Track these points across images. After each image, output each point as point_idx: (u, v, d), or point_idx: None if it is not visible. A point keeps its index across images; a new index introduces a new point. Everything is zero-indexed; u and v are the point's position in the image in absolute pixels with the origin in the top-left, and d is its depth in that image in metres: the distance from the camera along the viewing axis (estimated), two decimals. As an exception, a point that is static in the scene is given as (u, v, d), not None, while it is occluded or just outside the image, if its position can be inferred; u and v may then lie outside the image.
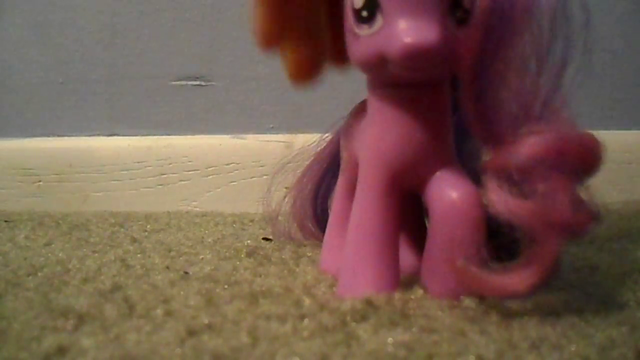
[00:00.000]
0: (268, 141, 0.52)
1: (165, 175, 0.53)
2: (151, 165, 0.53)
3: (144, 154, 0.53)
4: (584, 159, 0.17)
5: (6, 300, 0.22)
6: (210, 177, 0.53)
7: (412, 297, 0.21)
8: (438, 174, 0.19)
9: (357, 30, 0.18)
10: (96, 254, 0.31)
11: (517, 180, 0.16)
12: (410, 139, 0.19)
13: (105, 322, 0.19)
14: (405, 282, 0.22)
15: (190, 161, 0.53)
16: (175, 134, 0.54)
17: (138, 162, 0.53)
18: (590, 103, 0.56)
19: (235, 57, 0.53)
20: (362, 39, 0.18)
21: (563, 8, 0.19)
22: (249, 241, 0.34)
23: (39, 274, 0.26)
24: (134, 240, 0.35)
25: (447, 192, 0.19)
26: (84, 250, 0.32)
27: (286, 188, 0.35)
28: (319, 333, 0.18)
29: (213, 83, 0.54)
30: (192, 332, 0.18)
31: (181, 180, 0.53)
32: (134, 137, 0.54)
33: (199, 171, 0.53)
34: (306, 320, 0.19)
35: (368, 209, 0.20)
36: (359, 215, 0.20)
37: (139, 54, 0.54)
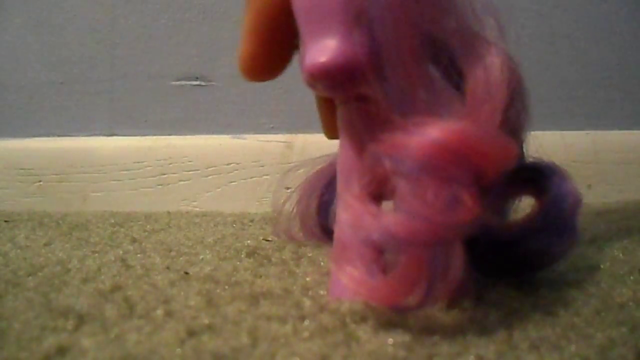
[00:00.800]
0: (268, 141, 0.52)
1: (165, 175, 0.53)
2: (151, 165, 0.53)
3: (144, 154, 0.53)
4: (483, 160, 0.15)
5: (6, 300, 0.22)
6: (210, 177, 0.53)
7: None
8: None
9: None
10: (96, 254, 0.31)
11: (387, 185, 0.16)
12: (362, 147, 0.18)
13: (105, 322, 0.19)
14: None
15: (190, 161, 0.53)
16: (175, 134, 0.54)
17: (138, 162, 0.53)
18: (590, 103, 0.56)
19: (235, 57, 0.53)
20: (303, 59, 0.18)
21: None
22: (249, 241, 0.34)
23: (39, 274, 0.26)
24: (134, 240, 0.35)
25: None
26: (84, 250, 0.32)
27: (287, 189, 0.35)
28: (319, 334, 0.18)
29: (213, 83, 0.54)
30: (192, 333, 0.18)
31: (181, 180, 0.53)
32: (134, 137, 0.54)
33: (199, 171, 0.53)
34: (306, 321, 0.19)
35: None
36: (340, 218, 0.21)
37: (139, 54, 0.54)
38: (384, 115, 0.16)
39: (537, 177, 0.20)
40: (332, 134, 0.22)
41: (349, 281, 0.17)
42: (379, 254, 0.17)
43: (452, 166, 0.14)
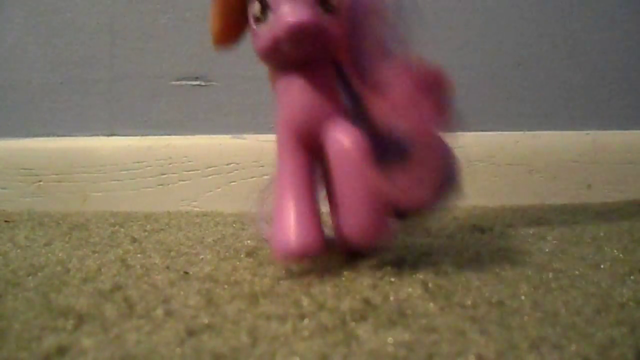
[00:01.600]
0: (268, 141, 0.52)
1: (165, 175, 0.53)
2: (151, 165, 0.53)
3: (144, 154, 0.53)
4: (433, 81, 0.23)
5: (6, 300, 0.22)
6: (210, 177, 0.53)
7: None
8: (331, 127, 0.24)
9: (256, 29, 0.24)
10: (96, 254, 0.31)
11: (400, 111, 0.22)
12: (304, 106, 0.24)
13: (105, 322, 0.19)
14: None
15: (190, 161, 0.53)
16: (175, 134, 0.54)
17: (138, 162, 0.53)
18: (591, 103, 0.56)
19: (235, 57, 0.53)
20: (260, 33, 0.24)
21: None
22: (248, 241, 0.34)
23: (39, 274, 0.26)
24: (134, 240, 0.35)
25: (338, 137, 0.23)
26: (84, 250, 0.32)
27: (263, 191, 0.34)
28: (318, 333, 0.18)
29: (213, 83, 0.54)
30: (192, 332, 0.18)
31: (181, 180, 0.53)
32: (134, 137, 0.54)
33: (199, 171, 0.53)
34: (306, 320, 0.19)
35: (282, 164, 0.25)
36: (280, 174, 0.25)
37: (139, 54, 0.54)
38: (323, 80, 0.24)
39: None
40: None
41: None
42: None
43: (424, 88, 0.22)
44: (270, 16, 0.23)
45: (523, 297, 0.21)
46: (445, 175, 0.23)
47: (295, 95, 0.24)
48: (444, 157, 0.23)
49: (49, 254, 0.31)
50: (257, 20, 0.24)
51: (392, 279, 0.24)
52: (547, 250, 0.30)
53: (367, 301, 0.21)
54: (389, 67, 0.23)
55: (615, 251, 0.30)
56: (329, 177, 0.24)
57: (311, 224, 0.23)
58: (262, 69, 0.27)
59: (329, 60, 0.25)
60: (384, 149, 0.23)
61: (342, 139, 0.23)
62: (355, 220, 0.23)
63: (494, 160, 0.54)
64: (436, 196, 0.23)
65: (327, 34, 0.23)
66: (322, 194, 0.26)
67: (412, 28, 0.24)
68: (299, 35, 0.22)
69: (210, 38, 0.26)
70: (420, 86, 0.22)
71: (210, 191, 0.53)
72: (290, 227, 0.23)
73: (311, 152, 0.24)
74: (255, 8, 0.24)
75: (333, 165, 0.23)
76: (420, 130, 0.22)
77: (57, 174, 0.53)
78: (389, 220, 0.23)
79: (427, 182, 0.21)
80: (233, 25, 0.26)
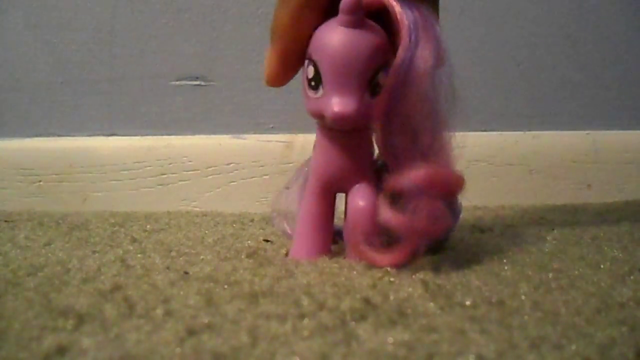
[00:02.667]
0: (268, 141, 0.52)
1: (165, 175, 0.53)
2: (151, 165, 0.53)
3: (144, 154, 0.53)
4: (448, 188, 0.25)
5: (6, 300, 0.22)
6: (210, 177, 0.53)
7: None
8: (355, 186, 0.27)
9: (308, 93, 0.26)
10: (96, 254, 0.31)
11: (400, 197, 0.24)
12: (335, 162, 0.27)
13: (105, 322, 0.19)
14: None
15: (190, 161, 0.53)
16: (175, 134, 0.54)
17: (138, 162, 0.53)
18: (591, 103, 0.56)
19: (235, 57, 0.53)
20: (311, 99, 0.26)
21: (441, 82, 0.25)
22: (249, 242, 0.34)
23: (39, 274, 0.26)
24: (134, 240, 0.35)
25: (357, 200, 0.27)
26: (84, 250, 0.32)
27: (287, 188, 0.35)
28: (318, 332, 0.18)
29: (213, 83, 0.54)
30: (192, 332, 0.18)
31: (181, 180, 0.53)
32: (134, 137, 0.54)
33: (199, 171, 0.53)
34: (306, 320, 0.19)
35: (309, 204, 0.29)
36: (305, 207, 0.29)
37: (139, 54, 0.54)
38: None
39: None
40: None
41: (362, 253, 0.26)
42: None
43: (432, 189, 0.24)
44: (321, 90, 0.25)
45: (523, 297, 0.21)
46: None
47: (330, 154, 0.27)
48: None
49: (49, 254, 0.31)
50: (309, 84, 0.26)
51: (392, 279, 0.24)
52: (547, 250, 0.30)
53: (367, 301, 0.21)
54: (414, 156, 0.25)
55: (615, 251, 0.30)
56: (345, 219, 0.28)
57: (321, 248, 0.29)
58: (263, 69, 0.28)
59: (369, 128, 0.27)
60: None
61: (359, 201, 0.27)
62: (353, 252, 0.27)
63: (494, 160, 0.54)
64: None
65: (369, 116, 0.25)
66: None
67: (454, 106, 0.25)
68: (342, 123, 0.25)
69: (264, 73, 0.27)
70: (430, 183, 0.24)
71: (210, 191, 0.53)
72: (303, 249, 0.29)
73: (334, 193, 0.29)
74: (309, 71, 0.26)
75: (347, 216, 0.28)
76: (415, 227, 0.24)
77: (57, 174, 0.53)
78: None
79: (394, 260, 0.25)
80: (289, 70, 0.27)
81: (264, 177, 0.52)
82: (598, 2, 0.55)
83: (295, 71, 0.27)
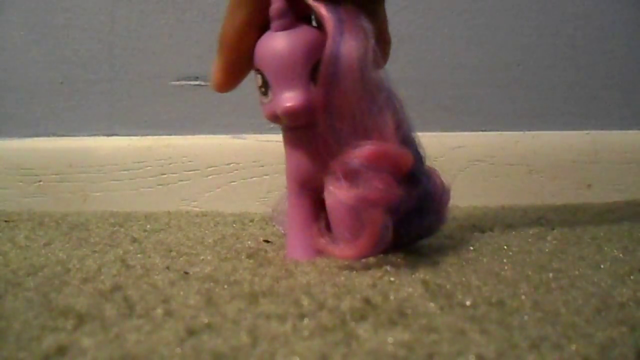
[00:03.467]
0: (268, 141, 0.52)
1: (165, 175, 0.53)
2: (151, 165, 0.53)
3: (144, 154, 0.53)
4: (393, 163, 0.25)
5: (6, 300, 0.22)
6: (210, 177, 0.53)
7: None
8: (327, 179, 0.27)
9: (261, 100, 0.28)
10: (96, 254, 0.31)
11: (348, 176, 0.25)
12: (305, 161, 0.28)
13: (105, 322, 0.19)
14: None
15: (190, 161, 0.53)
16: (175, 134, 0.54)
17: (138, 162, 0.53)
18: (591, 103, 0.56)
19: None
20: (265, 105, 0.27)
21: (366, 65, 0.26)
22: (249, 242, 0.34)
23: (39, 274, 0.26)
24: (134, 240, 0.35)
25: (331, 189, 0.27)
26: (84, 250, 0.32)
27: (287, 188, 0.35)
28: (318, 332, 0.18)
29: (213, 83, 0.54)
30: (192, 332, 0.18)
31: (181, 180, 0.53)
32: (134, 137, 0.54)
33: (199, 171, 0.53)
34: (306, 320, 0.19)
35: (290, 205, 0.30)
36: (289, 210, 0.30)
37: (139, 54, 0.54)
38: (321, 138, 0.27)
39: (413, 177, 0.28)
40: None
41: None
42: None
43: (379, 164, 0.25)
44: (270, 93, 0.27)
45: (523, 297, 0.21)
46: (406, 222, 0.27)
47: (298, 153, 0.28)
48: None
49: (49, 254, 0.31)
50: (260, 91, 0.27)
51: (392, 279, 0.24)
52: (547, 250, 0.30)
53: (367, 301, 0.21)
54: (357, 138, 0.26)
55: (615, 251, 0.30)
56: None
57: (313, 247, 0.28)
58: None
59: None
60: None
61: (335, 190, 0.27)
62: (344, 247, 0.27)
63: (494, 160, 0.54)
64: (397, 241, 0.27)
65: (318, 104, 0.26)
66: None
67: (392, 96, 0.27)
68: (294, 116, 0.26)
69: (211, 80, 0.29)
70: (376, 159, 0.25)
71: (210, 191, 0.53)
72: (297, 250, 0.29)
73: (313, 191, 0.29)
74: (258, 80, 0.27)
75: (329, 210, 0.28)
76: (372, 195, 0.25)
77: (57, 174, 0.53)
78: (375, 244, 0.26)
79: (359, 248, 0.26)
80: (234, 78, 0.29)
81: (264, 177, 0.52)
82: (598, 2, 0.55)
83: (240, 79, 0.29)
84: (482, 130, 0.55)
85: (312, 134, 0.27)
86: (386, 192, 0.25)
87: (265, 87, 0.27)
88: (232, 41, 0.27)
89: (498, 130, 0.55)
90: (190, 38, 0.54)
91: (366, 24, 0.26)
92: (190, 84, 0.54)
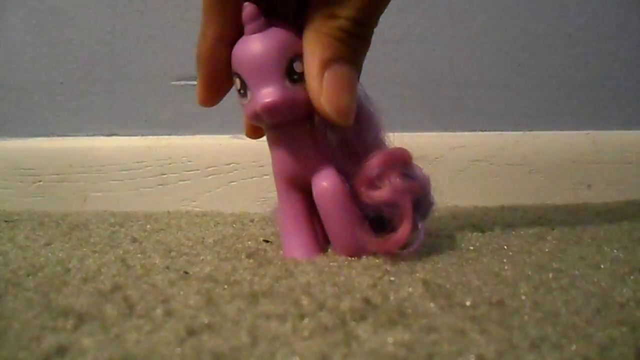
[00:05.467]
0: (268, 141, 0.52)
1: (165, 175, 0.53)
2: (151, 165, 0.53)
3: (144, 154, 0.53)
4: (402, 159, 0.28)
5: (6, 300, 0.22)
6: (210, 177, 0.53)
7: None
8: (316, 174, 0.28)
9: (242, 102, 0.28)
10: (96, 254, 0.31)
11: (374, 183, 0.27)
12: (290, 159, 0.29)
13: (105, 322, 0.19)
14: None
15: (190, 161, 0.53)
16: (175, 134, 0.54)
17: (138, 162, 0.53)
18: (591, 103, 0.56)
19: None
20: (245, 107, 0.28)
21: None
22: (249, 242, 0.34)
23: (39, 274, 0.26)
24: (134, 240, 0.35)
25: (320, 182, 0.28)
26: (84, 250, 0.32)
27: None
28: (318, 332, 0.18)
29: (213, 83, 0.54)
30: (192, 332, 0.18)
31: (181, 180, 0.53)
32: (134, 137, 0.54)
33: (199, 171, 0.53)
34: (306, 320, 0.19)
35: (281, 204, 0.30)
36: (281, 210, 0.30)
37: (139, 54, 0.54)
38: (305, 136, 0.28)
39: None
40: (252, 134, 0.32)
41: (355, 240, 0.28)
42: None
43: (393, 164, 0.27)
44: (249, 93, 0.27)
45: (523, 297, 0.21)
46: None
47: (282, 151, 0.29)
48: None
49: (49, 254, 0.31)
50: (239, 93, 0.28)
51: (392, 279, 0.24)
52: (547, 250, 0.30)
53: (367, 301, 0.21)
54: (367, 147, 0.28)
55: (615, 251, 0.30)
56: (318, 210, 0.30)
57: (309, 244, 0.29)
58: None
59: (307, 117, 0.28)
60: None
61: (322, 183, 0.28)
62: (339, 242, 0.28)
63: (494, 160, 0.54)
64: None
65: (298, 102, 0.27)
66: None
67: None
68: (272, 112, 0.26)
69: (197, 95, 0.30)
70: (387, 162, 0.27)
71: (210, 191, 0.53)
72: (292, 248, 0.29)
73: (302, 190, 0.29)
74: (237, 84, 0.28)
75: (317, 203, 0.28)
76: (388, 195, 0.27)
77: (57, 174, 0.53)
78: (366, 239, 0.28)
79: (404, 234, 0.27)
80: (216, 92, 0.30)
81: (264, 177, 0.52)
82: (598, 2, 0.55)
83: (222, 94, 0.30)
84: (482, 130, 0.55)
85: (295, 132, 0.28)
86: (413, 182, 0.28)
87: (243, 89, 0.28)
88: (206, 57, 0.28)
89: (498, 130, 0.55)
90: (190, 38, 0.53)
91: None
92: (190, 84, 0.54)
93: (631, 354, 0.16)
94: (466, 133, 0.55)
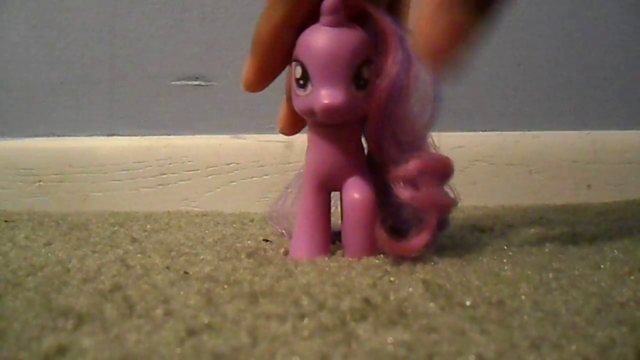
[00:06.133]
0: (268, 141, 0.52)
1: (165, 175, 0.53)
2: (151, 165, 0.53)
3: (144, 154, 0.53)
4: (443, 170, 0.28)
5: (6, 300, 0.22)
6: (210, 177, 0.53)
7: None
8: (349, 180, 0.28)
9: (297, 92, 0.27)
10: (96, 254, 0.31)
11: (410, 182, 0.27)
12: (328, 159, 0.28)
13: (105, 322, 0.19)
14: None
15: (190, 161, 0.53)
16: (175, 134, 0.54)
17: (138, 162, 0.53)
18: (591, 103, 0.56)
19: (235, 57, 0.53)
20: (300, 98, 0.27)
21: (432, 88, 0.28)
22: (249, 242, 0.34)
23: (39, 274, 0.26)
24: (134, 240, 0.35)
25: (352, 193, 0.28)
26: (84, 250, 0.32)
27: (287, 188, 0.35)
28: (318, 332, 0.18)
29: (213, 83, 0.54)
30: (192, 332, 0.18)
31: (181, 180, 0.53)
32: (134, 137, 0.54)
33: (199, 171, 0.53)
34: (306, 320, 0.19)
35: (306, 202, 0.29)
36: (302, 206, 0.30)
37: (139, 54, 0.54)
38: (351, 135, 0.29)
39: None
40: (289, 129, 0.31)
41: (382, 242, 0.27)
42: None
43: (432, 171, 0.27)
44: (309, 86, 0.26)
45: (523, 297, 0.21)
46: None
47: (322, 150, 0.28)
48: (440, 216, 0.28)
49: (49, 254, 0.31)
50: (298, 83, 0.27)
51: (392, 279, 0.24)
52: (547, 250, 0.30)
53: (367, 301, 0.21)
54: (405, 151, 0.27)
55: (615, 251, 0.30)
56: (343, 217, 0.29)
57: (320, 246, 0.29)
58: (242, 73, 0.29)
59: (358, 123, 0.28)
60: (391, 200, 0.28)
61: (354, 194, 0.28)
62: (356, 249, 0.28)
63: (494, 160, 0.54)
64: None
65: (358, 109, 0.27)
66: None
67: (439, 112, 0.28)
68: (332, 114, 0.26)
69: (242, 79, 0.29)
70: (429, 168, 0.27)
71: (210, 191, 0.53)
72: (303, 248, 0.29)
73: (329, 191, 0.29)
74: (297, 72, 0.27)
75: (344, 211, 0.29)
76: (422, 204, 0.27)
77: (57, 174, 0.53)
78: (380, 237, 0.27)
79: (424, 240, 0.27)
80: (266, 78, 0.29)
81: (264, 177, 0.52)
82: (598, 2, 0.55)
83: (272, 79, 0.29)
84: (482, 130, 0.55)
85: (341, 134, 0.28)
86: (447, 196, 0.28)
87: (304, 80, 0.26)
88: (267, 41, 0.27)
89: (498, 130, 0.55)
90: (190, 38, 0.54)
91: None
92: (190, 84, 0.54)
93: (631, 354, 0.16)
94: (466, 133, 0.55)
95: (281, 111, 0.31)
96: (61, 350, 0.17)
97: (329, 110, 0.25)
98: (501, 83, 0.55)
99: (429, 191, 0.26)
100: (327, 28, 0.26)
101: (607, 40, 0.55)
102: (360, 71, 0.26)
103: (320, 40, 0.26)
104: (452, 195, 0.29)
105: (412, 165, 0.26)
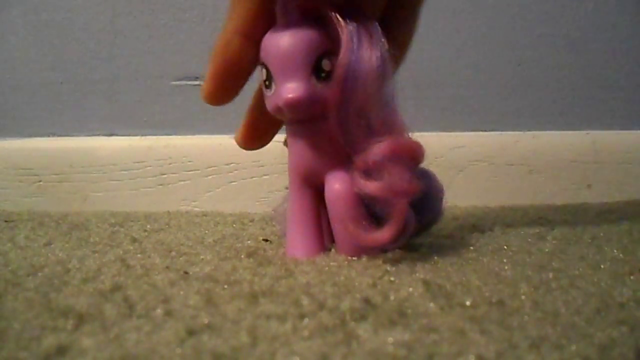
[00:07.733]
0: (268, 141, 0.52)
1: (165, 175, 0.53)
2: (151, 165, 0.53)
3: (144, 154, 0.53)
4: (411, 155, 0.27)
5: (6, 300, 0.22)
6: (210, 177, 0.53)
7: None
8: (330, 173, 0.28)
9: (266, 94, 0.28)
10: (96, 254, 0.31)
11: (372, 171, 0.26)
12: (306, 154, 0.29)
13: (105, 322, 0.19)
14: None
15: (190, 161, 0.53)
16: (175, 134, 0.54)
17: (138, 162, 0.53)
18: (591, 103, 0.56)
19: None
20: (268, 98, 0.28)
21: (383, 73, 0.27)
22: (249, 242, 0.34)
23: (39, 274, 0.26)
24: (134, 240, 0.35)
25: (333, 184, 0.28)
26: (84, 250, 0.32)
27: (286, 188, 0.35)
28: (318, 332, 0.18)
29: (213, 83, 0.54)
30: (192, 332, 0.18)
31: (181, 180, 0.53)
32: (134, 137, 0.54)
33: (199, 171, 0.53)
34: (306, 320, 0.19)
35: (293, 200, 0.30)
36: (290, 206, 0.30)
37: (139, 54, 0.54)
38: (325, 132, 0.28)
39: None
40: (248, 142, 0.32)
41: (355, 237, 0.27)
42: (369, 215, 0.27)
43: (398, 156, 0.26)
44: (273, 86, 0.27)
45: (523, 297, 0.21)
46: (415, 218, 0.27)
47: (300, 147, 0.29)
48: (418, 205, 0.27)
49: (49, 254, 0.31)
50: (264, 85, 0.28)
51: (392, 279, 0.24)
52: (547, 250, 0.30)
53: (367, 301, 0.21)
54: (371, 136, 0.27)
55: (615, 251, 0.30)
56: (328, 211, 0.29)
57: (313, 242, 0.29)
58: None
59: (323, 116, 0.28)
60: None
61: (335, 185, 0.28)
62: (344, 244, 0.28)
63: (494, 160, 0.54)
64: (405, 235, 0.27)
65: (322, 100, 0.27)
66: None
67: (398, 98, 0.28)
68: (295, 107, 0.26)
69: (203, 89, 0.29)
70: (395, 154, 0.26)
71: (210, 191, 0.53)
72: (297, 246, 0.29)
73: (315, 188, 0.29)
74: (263, 74, 0.28)
75: (328, 204, 0.28)
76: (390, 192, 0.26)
77: (57, 174, 0.53)
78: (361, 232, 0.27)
79: (392, 231, 0.26)
80: (227, 87, 0.29)
81: (264, 177, 0.52)
82: (598, 2, 0.55)
83: (231, 92, 0.29)
84: (482, 130, 0.55)
85: (315, 129, 0.28)
86: (411, 183, 0.26)
87: (269, 81, 0.27)
88: (219, 49, 0.28)
89: (498, 130, 0.55)
90: (190, 38, 0.54)
91: (377, 31, 0.27)
92: (190, 84, 0.54)
93: (631, 354, 0.16)
94: (466, 133, 0.55)
95: (242, 123, 0.31)
96: (61, 350, 0.17)
97: (292, 103, 0.26)
98: (501, 83, 0.55)
99: (393, 179, 0.25)
100: (282, 28, 0.27)
101: (607, 40, 0.55)
102: (319, 64, 0.26)
103: (276, 40, 0.27)
104: (437, 184, 0.29)
105: (375, 151, 0.26)
